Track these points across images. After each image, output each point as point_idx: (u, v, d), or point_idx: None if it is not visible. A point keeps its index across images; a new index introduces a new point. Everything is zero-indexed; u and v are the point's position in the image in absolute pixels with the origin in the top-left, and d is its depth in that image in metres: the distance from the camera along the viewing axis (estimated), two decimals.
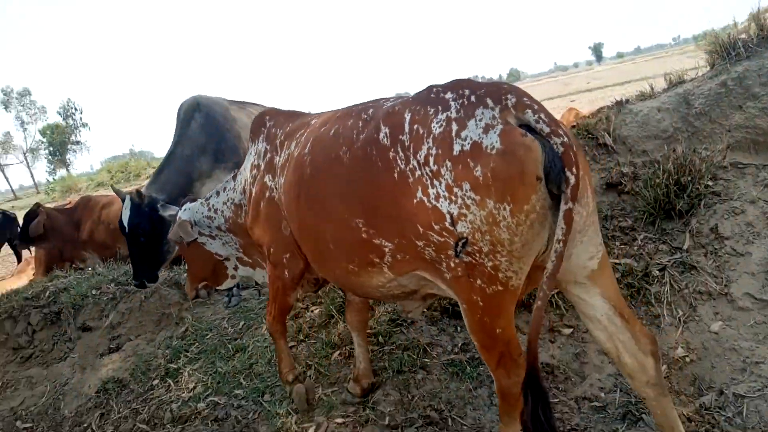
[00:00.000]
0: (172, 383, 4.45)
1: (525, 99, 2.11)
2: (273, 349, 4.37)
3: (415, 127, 2.22)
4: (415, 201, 2.17)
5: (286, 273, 3.23)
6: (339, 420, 3.51)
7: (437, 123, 2.15)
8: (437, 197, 2.11)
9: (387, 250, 2.39)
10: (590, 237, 2.28)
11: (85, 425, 4.27)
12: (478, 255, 2.09)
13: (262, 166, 3.30)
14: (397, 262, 2.41)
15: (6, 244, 14.13)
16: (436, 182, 2.10)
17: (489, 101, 2.10)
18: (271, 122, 3.42)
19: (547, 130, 2.03)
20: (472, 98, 2.14)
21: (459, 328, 3.96)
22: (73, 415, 4.49)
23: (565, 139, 2.01)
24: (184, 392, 4.27)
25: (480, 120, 2.07)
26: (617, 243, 3.89)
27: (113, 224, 7.78)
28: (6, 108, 62.18)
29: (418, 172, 2.16)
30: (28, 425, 4.47)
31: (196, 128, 5.40)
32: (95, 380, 4.79)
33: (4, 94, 61.98)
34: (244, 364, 4.38)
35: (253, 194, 3.32)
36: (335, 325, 4.42)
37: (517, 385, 2.26)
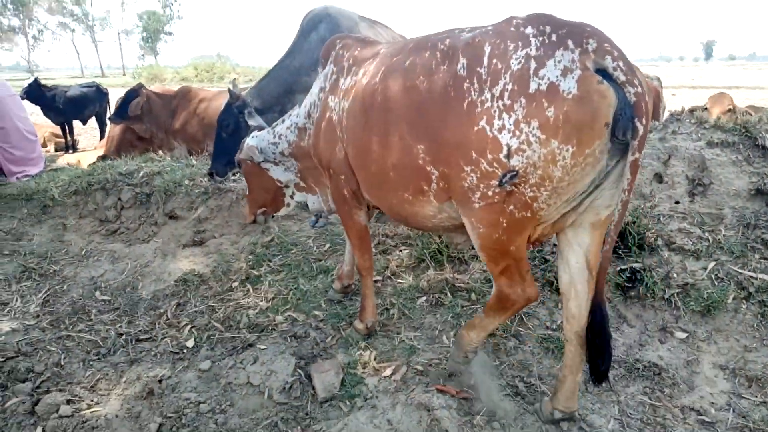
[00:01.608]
0: (251, 289, 4.42)
1: (606, 44, 2.11)
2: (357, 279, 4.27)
3: (494, 61, 2.23)
4: (475, 128, 2.23)
5: (346, 192, 3.27)
6: (419, 367, 3.37)
7: (516, 59, 2.17)
8: (501, 129, 2.16)
9: (434, 177, 2.49)
10: (620, 186, 2.26)
11: (161, 311, 4.28)
12: (522, 186, 2.20)
13: (327, 88, 3.28)
14: (439, 189, 2.51)
15: (94, 117, 14.61)
16: (505, 115, 2.15)
17: (570, 43, 2.11)
18: (341, 45, 3.36)
19: (623, 78, 2.06)
20: (553, 37, 2.14)
21: (560, 305, 3.72)
22: (150, 297, 4.52)
23: (639, 89, 2.06)
24: (262, 301, 4.22)
25: (559, 61, 2.09)
26: (756, 255, 3.55)
27: (207, 119, 7.78)
28: None
29: (488, 104, 2.21)
30: (106, 297, 4.53)
31: (316, 40, 5.20)
32: (175, 269, 4.81)
33: None
34: (327, 287, 4.29)
35: (317, 115, 3.35)
36: (425, 270, 4.25)
37: (516, 294, 2.54)
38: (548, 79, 2.08)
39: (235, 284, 4.53)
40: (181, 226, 5.33)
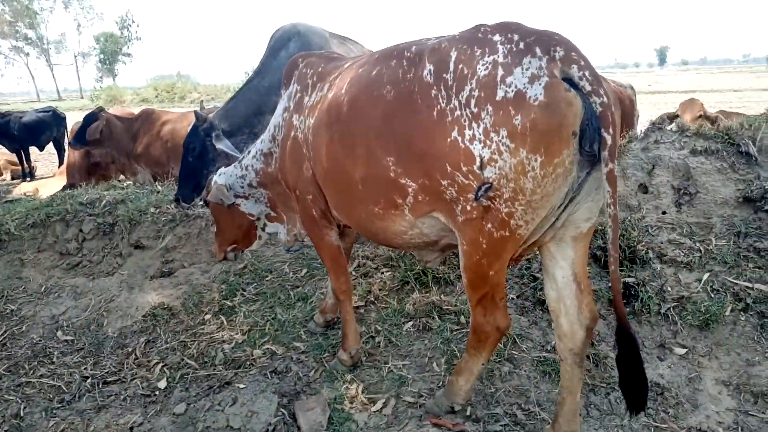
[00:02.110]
0: (225, 321, 4.17)
1: (573, 53, 2.09)
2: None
3: (460, 66, 2.19)
4: (448, 140, 2.18)
5: (314, 211, 3.17)
6: (409, 399, 3.18)
7: (483, 65, 2.14)
8: (472, 139, 2.12)
9: (410, 190, 2.40)
10: (597, 199, 2.28)
11: (129, 349, 4.00)
12: (497, 200, 2.15)
13: (291, 107, 3.20)
14: (417, 203, 2.42)
15: (51, 143, 14.13)
16: (474, 124, 2.12)
17: (538, 50, 2.08)
18: (304, 63, 3.29)
19: (588, 87, 2.04)
20: (521, 45, 2.12)
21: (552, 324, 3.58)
22: (116, 335, 4.23)
23: (605, 99, 2.03)
24: (238, 333, 3.98)
25: (527, 69, 2.06)
26: (750, 265, 3.46)
27: (171, 142, 7.51)
28: (66, 8, 62.42)
29: (457, 112, 2.16)
30: (69, 337, 4.23)
31: (285, 59, 5.00)
32: (143, 303, 4.53)
33: None
34: (306, 315, 4.07)
35: (281, 136, 3.27)
36: (409, 293, 4.07)
37: (489, 324, 2.49)
38: (515, 86, 2.05)
39: (208, 317, 4.28)
40: (147, 257, 5.05)
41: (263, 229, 3.90)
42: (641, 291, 3.41)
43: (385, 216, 2.60)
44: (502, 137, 2.07)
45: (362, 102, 2.56)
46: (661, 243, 3.68)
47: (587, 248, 2.50)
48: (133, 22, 65.84)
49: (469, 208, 2.24)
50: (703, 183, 3.81)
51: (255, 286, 4.56)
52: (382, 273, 4.38)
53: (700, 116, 9.38)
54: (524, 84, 2.05)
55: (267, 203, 3.74)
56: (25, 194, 8.64)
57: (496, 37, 2.19)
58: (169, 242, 5.02)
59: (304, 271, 4.68)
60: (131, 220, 5.14)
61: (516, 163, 2.08)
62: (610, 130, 2.02)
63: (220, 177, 3.76)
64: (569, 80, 2.06)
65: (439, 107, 2.22)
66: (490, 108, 2.09)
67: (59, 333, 4.28)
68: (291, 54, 4.66)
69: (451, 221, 2.38)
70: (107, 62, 65.33)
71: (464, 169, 2.17)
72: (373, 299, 4.11)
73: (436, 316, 3.74)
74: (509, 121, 2.05)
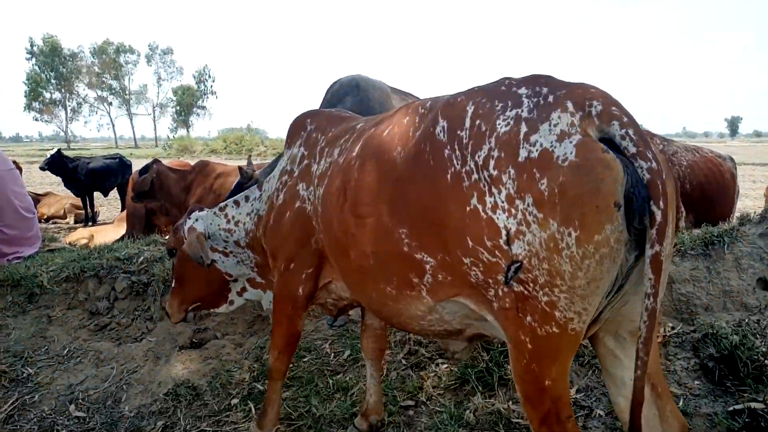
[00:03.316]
0: (253, 409, 3.60)
1: (614, 108, 1.73)
2: (390, 409, 3.43)
3: (477, 122, 1.88)
4: (468, 209, 1.83)
5: (301, 290, 2.86)
6: None
7: (504, 120, 1.82)
8: (494, 208, 1.77)
9: (428, 267, 2.05)
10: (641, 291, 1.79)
11: None
12: (531, 285, 1.75)
13: (296, 173, 2.91)
14: (437, 283, 2.06)
15: (116, 189, 14.31)
16: (494, 190, 1.77)
17: (569, 105, 1.74)
18: (312, 125, 3.01)
19: (633, 150, 1.66)
20: (550, 98, 1.78)
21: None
22: (133, 415, 3.73)
23: (653, 164, 1.65)
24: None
25: (555, 125, 1.72)
26: None
27: (224, 195, 7.21)
28: (148, 62, 66.24)
29: (475, 176, 1.83)
30: (81, 414, 3.75)
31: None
32: (167, 378, 4.03)
33: (150, 49, 65.92)
34: (345, 412, 3.46)
35: (279, 202, 2.95)
36: (469, 395, 3.40)
37: None
38: (540, 144, 1.71)
39: (235, 401, 3.73)
40: (180, 324, 4.58)
41: (239, 294, 3.54)
42: None
43: (399, 297, 2.24)
44: (528, 205, 1.70)
45: (372, 166, 2.26)
46: None
47: (656, 341, 2.10)
48: (210, 77, 69.06)
49: (501, 294, 1.83)
50: None
51: (291, 367, 3.99)
52: (437, 366, 3.73)
53: None
54: (551, 142, 1.70)
55: (254, 268, 3.39)
56: (74, 241, 8.51)
57: (522, 90, 1.86)
58: None
59: (347, 353, 4.09)
60: (166, 280, 4.72)
61: (546, 238, 1.68)
62: (661, 204, 1.62)
63: (198, 222, 3.31)
64: (609, 141, 1.69)
65: (453, 170, 1.90)
66: (512, 170, 1.74)
67: (72, 407, 3.81)
68: (349, 107, 4.23)
69: (486, 310, 1.98)
70: (183, 113, 68.41)
71: (489, 244, 1.79)
72: (425, 399, 3.46)
73: (503, 428, 3.05)
74: (534, 185, 1.69)
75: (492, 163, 1.79)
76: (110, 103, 68.34)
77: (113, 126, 70.58)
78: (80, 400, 3.89)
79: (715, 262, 3.46)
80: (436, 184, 1.95)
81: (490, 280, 1.85)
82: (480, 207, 1.81)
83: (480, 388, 3.38)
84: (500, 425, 3.08)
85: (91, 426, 3.64)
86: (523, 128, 1.77)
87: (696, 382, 3.01)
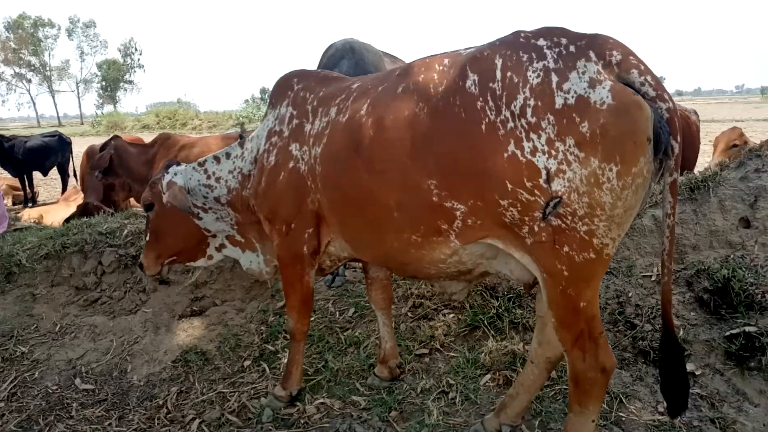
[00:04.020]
0: (268, 369, 3.67)
1: (631, 57, 1.95)
2: (406, 358, 3.57)
3: (508, 74, 2.02)
4: (506, 155, 1.99)
5: (305, 249, 2.92)
6: None
7: (533, 72, 1.98)
8: (533, 151, 1.95)
9: (458, 213, 2.20)
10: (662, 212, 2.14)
11: (160, 401, 3.50)
12: (570, 218, 1.96)
13: (286, 133, 2.91)
14: (467, 228, 2.22)
15: (56, 167, 13.69)
16: (533, 135, 1.94)
17: (591, 54, 1.95)
18: (300, 85, 3.00)
19: (652, 93, 1.92)
20: (571, 48, 1.98)
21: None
22: (143, 384, 3.72)
23: (670, 104, 1.93)
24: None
25: (583, 73, 1.92)
26: None
27: None
28: (69, 36, 62.67)
29: (510, 124, 1.99)
30: (89, 386, 3.72)
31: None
32: (172, 346, 4.03)
33: (71, 22, 62.43)
34: (362, 364, 3.58)
35: (270, 164, 2.94)
36: (481, 340, 3.58)
37: (593, 368, 2.18)
38: (575, 92, 1.90)
39: (248, 363, 3.78)
40: (174, 293, 4.55)
41: (218, 250, 3.53)
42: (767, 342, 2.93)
43: (425, 243, 2.38)
44: (569, 146, 1.90)
45: (391, 123, 2.33)
46: None
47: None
48: (136, 49, 66.11)
49: (537, 229, 2.03)
50: None
51: None
52: (444, 315, 3.89)
53: (734, 146, 8.99)
54: (584, 89, 1.90)
55: (234, 225, 3.39)
56: (33, 221, 8.16)
57: (541, 42, 2.03)
58: (199, 277, 4.52)
59: (352, 311, 4.19)
60: None
61: (587, 174, 1.90)
62: (678, 138, 1.93)
63: (177, 177, 3.26)
64: (629, 86, 1.91)
65: (487, 120, 2.04)
66: (551, 117, 1.92)
67: (77, 381, 3.77)
68: (345, 71, 4.25)
69: (514, 247, 2.17)
70: (109, 89, 65.35)
71: (528, 184, 1.97)
72: (438, 346, 3.61)
73: (521, 368, 3.24)
74: (575, 128, 1.89)
75: (529, 111, 1.96)
76: (29, 80, 64.55)
77: (34, 104, 66.79)
78: (85, 374, 3.85)
79: (700, 205, 3.75)
80: (469, 136, 2.08)
81: (526, 218, 2.03)
82: (518, 152, 1.97)
83: (492, 332, 3.56)
84: (517, 363, 3.28)
85: (102, 397, 3.62)
86: (554, 78, 1.95)
87: (692, 314, 3.29)
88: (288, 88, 3.04)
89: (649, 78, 1.93)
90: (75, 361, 3.98)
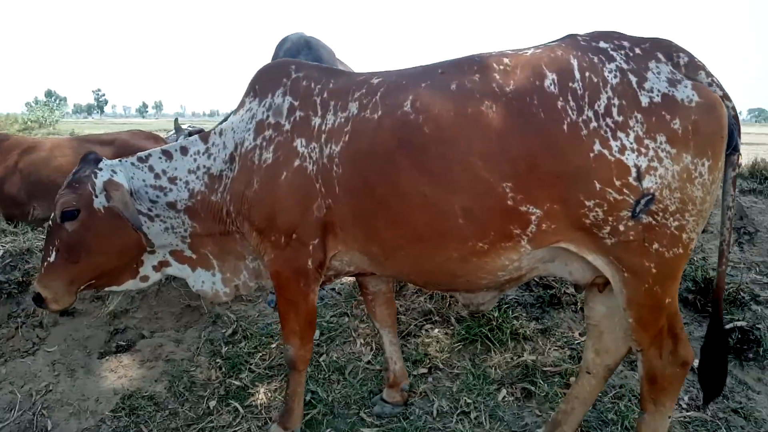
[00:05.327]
0: (240, 408, 3.10)
1: (696, 60, 2.04)
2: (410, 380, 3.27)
3: (587, 74, 2.02)
4: (592, 155, 1.96)
5: (310, 262, 2.50)
6: None
7: (609, 72, 2.01)
8: (622, 149, 1.94)
9: (533, 218, 2.08)
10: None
11: None
12: (661, 215, 1.96)
13: (287, 127, 2.51)
14: (540, 232, 2.11)
15: None
16: (621, 134, 1.95)
17: (660, 56, 2.03)
18: (300, 74, 2.61)
19: (720, 93, 2.01)
20: (637, 50, 2.04)
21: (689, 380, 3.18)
22: None
23: (732, 104, 2.04)
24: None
25: (659, 73, 1.98)
26: None
27: (34, 176, 5.93)
28: None
29: (593, 124, 1.97)
30: None
31: None
32: (104, 391, 3.23)
33: None
34: (357, 391, 3.20)
35: (265, 162, 2.50)
36: (481, 354, 3.41)
37: (671, 363, 2.17)
38: (658, 90, 1.95)
39: (213, 403, 3.16)
40: (83, 326, 3.69)
41: (157, 269, 2.81)
42: (763, 335, 3.17)
43: (491, 251, 2.20)
44: (660, 143, 1.93)
45: (453, 121, 2.16)
46: (746, 283, 3.53)
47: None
48: None
49: (622, 228, 1.99)
50: (760, 222, 3.80)
51: (261, 356, 3.52)
52: (427, 331, 3.65)
53: None
54: (666, 88, 1.95)
55: (186, 238, 2.75)
56: None
57: (603, 44, 2.08)
58: (117, 305, 3.72)
59: (318, 333, 3.75)
60: None
61: (680, 170, 1.93)
62: (740, 135, 2.06)
63: (118, 176, 2.59)
64: None
65: (569, 120, 1.99)
66: (639, 115, 1.94)
67: None
68: None
69: (588, 249, 2.11)
70: None
71: (617, 183, 1.95)
72: (439, 364, 3.36)
73: (540, 380, 3.13)
74: (666, 126, 1.93)
75: (614, 110, 1.96)
76: None
77: None
78: None
79: None
80: (549, 136, 2.01)
81: (610, 218, 1.99)
82: (606, 151, 1.95)
83: (494, 344, 3.40)
84: (537, 375, 3.16)
85: None
86: (632, 77, 1.97)
87: (681, 314, 3.47)
88: (283, 75, 2.62)
89: (714, 79, 2.02)
90: None
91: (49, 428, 3.00)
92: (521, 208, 2.08)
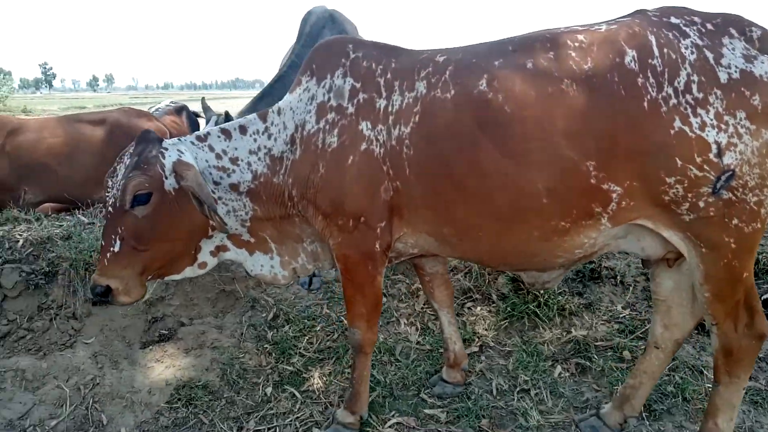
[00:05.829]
0: (297, 393, 3.09)
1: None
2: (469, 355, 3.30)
3: (665, 50, 2.05)
4: (672, 132, 2.00)
5: (378, 245, 2.48)
6: None
7: (686, 48, 2.04)
8: (702, 126, 1.98)
9: (615, 195, 2.12)
10: None
11: None
12: (741, 190, 2.01)
13: (350, 110, 2.45)
14: (620, 210, 2.16)
15: None
16: (701, 111, 1.99)
17: (733, 31, 2.06)
18: (359, 53, 2.53)
19: None
20: (709, 26, 2.08)
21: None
22: None
23: None
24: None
25: (733, 49, 2.02)
26: None
27: (24, 158, 5.66)
28: None
29: (673, 101, 2.00)
30: None
31: None
32: (155, 382, 3.16)
33: None
34: (413, 373, 3.22)
35: (330, 146, 2.45)
36: (529, 331, 3.46)
37: (747, 335, 2.22)
38: (736, 66, 1.99)
39: (269, 389, 3.14)
40: (119, 315, 3.58)
41: (214, 254, 2.71)
42: None
43: (572, 230, 2.23)
44: (740, 119, 1.97)
45: (534, 99, 2.16)
46: None
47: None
48: None
49: (702, 204, 2.03)
50: None
51: (308, 339, 3.50)
52: (470, 309, 3.68)
53: None
54: (743, 64, 1.99)
55: (246, 222, 2.66)
56: None
57: (674, 20, 2.11)
58: (154, 292, 3.63)
59: None
60: (88, 264, 3.60)
61: (759, 146, 1.98)
62: None
63: (186, 155, 2.47)
64: None
65: (649, 97, 2.02)
66: (718, 92, 1.98)
67: None
68: None
69: (665, 226, 2.16)
70: None
71: (698, 159, 1.98)
72: (490, 342, 3.40)
73: (594, 355, 3.21)
74: (745, 102, 1.97)
75: (694, 87, 1.99)
76: None
77: None
78: None
79: None
80: (630, 114, 2.03)
81: (690, 194, 2.03)
82: (686, 128, 1.98)
83: (541, 320, 3.46)
84: (591, 350, 3.24)
85: None
86: (708, 54, 2.02)
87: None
88: (341, 56, 2.54)
89: None
90: (17, 421, 2.90)
91: (105, 423, 2.93)
92: (603, 186, 2.11)
